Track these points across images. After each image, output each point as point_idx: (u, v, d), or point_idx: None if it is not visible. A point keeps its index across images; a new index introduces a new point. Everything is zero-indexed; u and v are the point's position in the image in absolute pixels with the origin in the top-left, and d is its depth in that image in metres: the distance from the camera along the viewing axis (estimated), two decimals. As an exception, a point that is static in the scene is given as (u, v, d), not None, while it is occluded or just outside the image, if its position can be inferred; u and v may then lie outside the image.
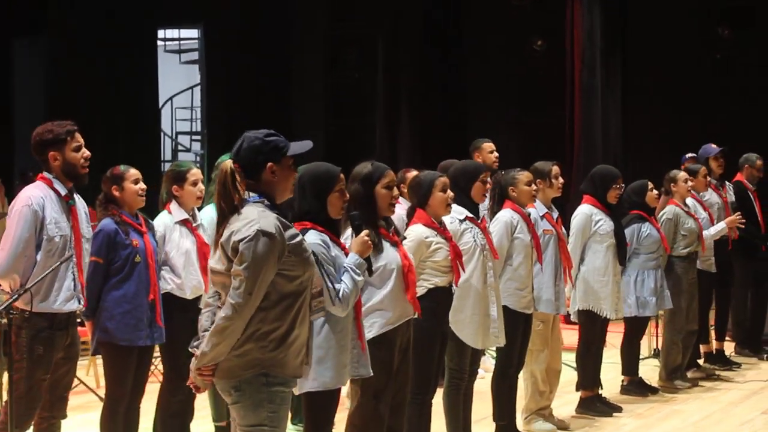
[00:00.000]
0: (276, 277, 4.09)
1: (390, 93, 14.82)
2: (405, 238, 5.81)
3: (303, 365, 4.27)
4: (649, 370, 9.01)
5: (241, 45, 15.31)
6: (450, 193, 6.02)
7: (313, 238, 4.85)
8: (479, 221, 6.41)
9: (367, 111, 14.86)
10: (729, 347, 10.15)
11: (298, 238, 4.18)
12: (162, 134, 16.90)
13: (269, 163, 4.18)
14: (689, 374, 9.05)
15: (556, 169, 7.41)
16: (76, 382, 7.64)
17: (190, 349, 4.27)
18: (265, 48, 15.25)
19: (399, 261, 5.41)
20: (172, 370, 6.30)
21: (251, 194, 4.18)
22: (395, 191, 5.48)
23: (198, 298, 6.29)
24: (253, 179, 4.20)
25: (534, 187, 6.99)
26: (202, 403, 6.90)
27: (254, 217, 4.07)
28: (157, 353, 6.59)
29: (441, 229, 6.02)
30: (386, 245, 5.38)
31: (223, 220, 4.18)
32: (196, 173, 6.40)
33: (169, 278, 6.23)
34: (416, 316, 5.52)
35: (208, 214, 6.57)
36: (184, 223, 6.35)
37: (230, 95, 15.44)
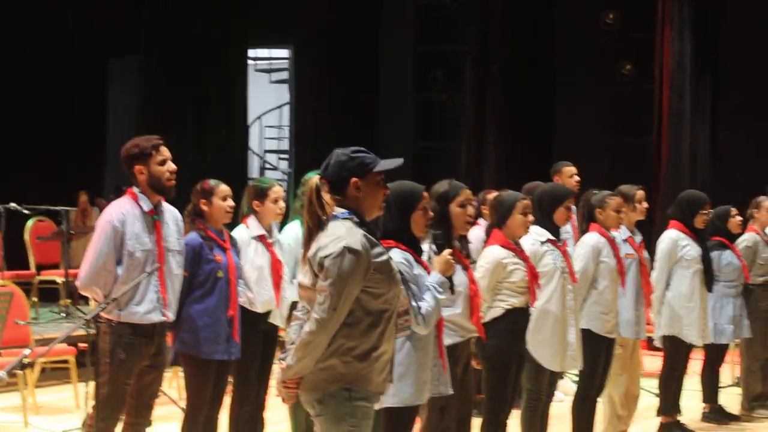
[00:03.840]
0: (361, 293, 4.13)
1: (477, 115, 14.83)
2: (475, 261, 5.85)
3: (386, 382, 4.30)
4: (731, 399, 8.90)
5: (330, 65, 15.45)
6: (530, 217, 6.04)
7: (397, 256, 4.89)
8: (560, 244, 6.42)
9: (455, 132, 14.89)
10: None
11: (385, 256, 4.21)
12: (250, 152, 17.12)
13: (354, 179, 4.21)
14: (772, 404, 8.93)
15: (640, 193, 7.39)
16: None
17: (277, 362, 4.34)
18: (353, 68, 15.38)
19: (467, 284, 5.46)
20: (240, 381, 6.43)
21: (341, 210, 4.22)
22: (470, 210, 5.52)
23: (268, 313, 6.42)
24: (340, 195, 4.23)
25: (622, 213, 6.97)
26: (282, 416, 7.00)
27: (341, 234, 4.12)
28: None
29: (518, 249, 6.05)
30: (457, 267, 5.39)
31: (310, 236, 4.24)
32: (277, 191, 6.50)
33: (241, 291, 6.31)
34: (478, 335, 5.56)
35: (292, 231, 6.68)
36: (260, 238, 6.47)
37: (318, 115, 15.58)
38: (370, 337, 4.17)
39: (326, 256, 4.09)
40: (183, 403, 6.38)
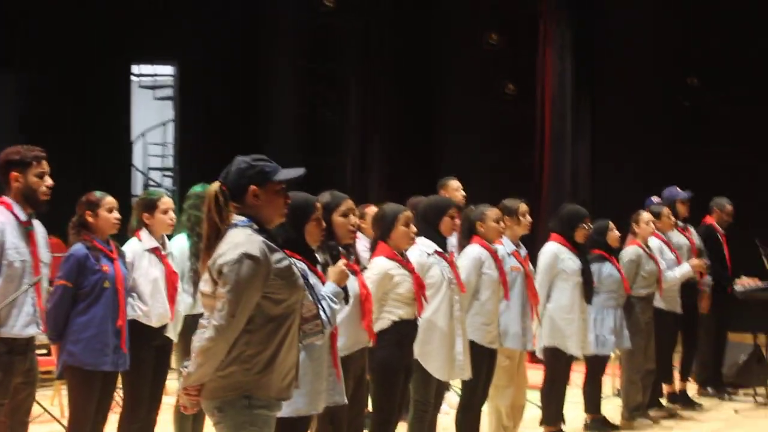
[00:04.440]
0: (262, 300, 4.13)
1: (361, 133, 14.94)
2: (365, 267, 5.90)
3: (291, 388, 4.29)
4: (612, 409, 9.08)
5: (214, 82, 15.38)
6: (413, 228, 6.10)
7: (291, 267, 4.93)
8: (447, 255, 6.50)
9: (340, 149, 14.98)
10: (692, 388, 10.28)
11: (286, 263, 4.20)
12: (133, 169, 16.92)
13: (252, 186, 4.21)
14: (651, 413, 9.13)
15: (524, 206, 7.51)
16: (40, 410, 7.67)
17: (180, 369, 4.30)
18: (238, 85, 15.35)
19: (357, 289, 5.48)
20: (132, 397, 6.33)
21: (240, 218, 4.21)
22: (353, 219, 5.56)
23: (163, 328, 6.36)
24: (239, 202, 4.23)
25: (502, 224, 7.08)
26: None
27: (240, 241, 4.11)
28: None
29: (404, 261, 6.10)
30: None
31: (210, 243, 4.23)
32: (167, 202, 6.44)
33: (135, 305, 6.25)
34: (371, 344, 5.59)
35: (178, 244, 6.65)
36: (153, 251, 6.39)
37: (203, 132, 15.48)
38: (271, 344, 4.16)
39: (225, 263, 4.09)
40: (66, 421, 6.26)
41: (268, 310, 4.16)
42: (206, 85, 15.50)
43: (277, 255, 4.18)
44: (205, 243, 4.24)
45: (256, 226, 4.20)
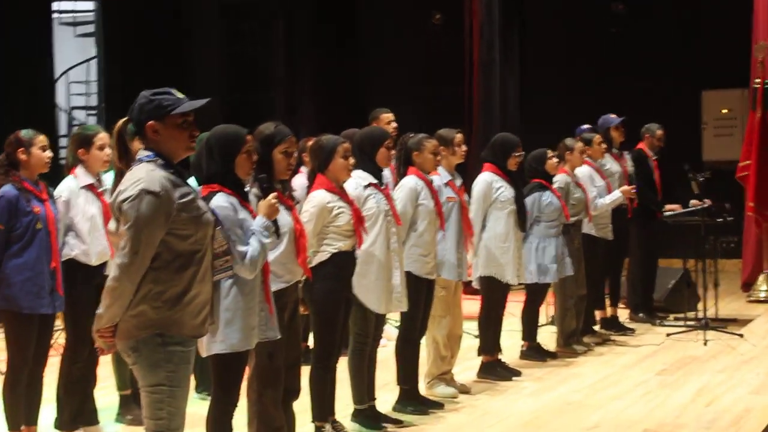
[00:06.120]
0: (167, 236, 4.05)
1: (289, 66, 14.80)
2: (299, 202, 5.85)
3: (205, 325, 4.23)
4: (547, 337, 9.18)
5: (137, 18, 15.09)
6: (351, 160, 6.06)
7: (221, 200, 4.87)
8: (383, 187, 6.47)
9: (267, 84, 14.84)
10: (624, 313, 10.44)
11: (190, 197, 4.12)
12: (57, 108, 16.61)
13: (150, 122, 4.12)
14: (585, 339, 9.25)
15: (459, 136, 7.49)
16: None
17: (97, 313, 4.24)
18: (161, 21, 15.08)
19: (291, 224, 5.43)
20: (73, 336, 6.23)
21: (145, 153, 4.13)
22: (293, 158, 5.49)
23: (103, 265, 6.25)
24: (142, 138, 4.16)
25: (438, 155, 7.06)
26: (108, 372, 6.87)
27: (141, 176, 4.03)
28: (58, 324, 6.53)
29: (342, 193, 6.06)
30: (281, 209, 5.35)
31: (118, 180, 4.16)
32: (103, 137, 6.26)
33: (74, 244, 6.14)
34: (305, 278, 5.56)
35: (108, 181, 6.53)
36: (89, 188, 6.26)
37: (127, 69, 15.21)
38: (180, 280, 4.10)
39: (124, 200, 4.01)
40: (3, 365, 6.16)
41: (175, 246, 4.08)
42: (128, 22, 15.21)
43: (182, 189, 4.10)
44: (115, 180, 4.17)
45: (161, 161, 4.12)
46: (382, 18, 15.50)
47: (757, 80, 12.09)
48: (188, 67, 15.39)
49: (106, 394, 6.98)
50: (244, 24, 15.10)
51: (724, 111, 14.96)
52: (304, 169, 7.43)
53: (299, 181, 6.71)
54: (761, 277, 12.16)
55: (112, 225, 4.15)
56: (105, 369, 6.80)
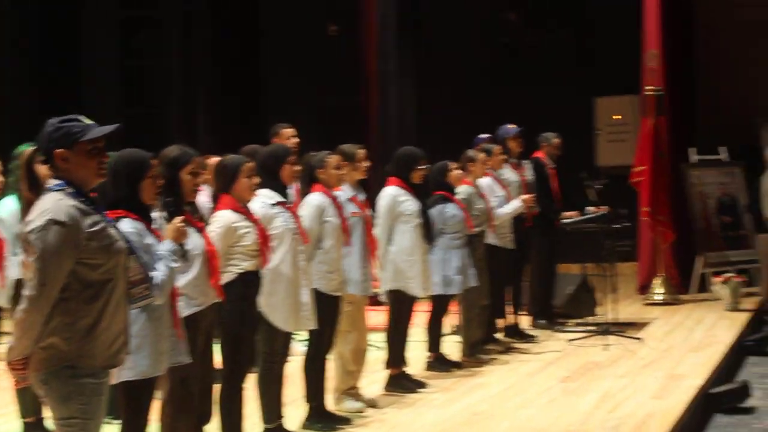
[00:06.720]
0: (76, 265, 4.00)
1: (185, 79, 14.69)
2: (208, 223, 5.82)
3: (120, 355, 4.18)
4: (451, 347, 9.24)
5: (30, 31, 14.84)
6: (255, 179, 6.04)
7: (127, 226, 4.80)
8: (289, 205, 6.46)
9: (163, 98, 14.70)
10: (525, 321, 10.56)
11: (100, 225, 4.07)
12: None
13: (59, 150, 4.07)
14: (488, 348, 9.34)
15: (362, 152, 7.52)
16: None
17: (8, 345, 4.16)
18: (54, 35, 14.85)
19: (203, 246, 5.40)
20: None
21: (54, 182, 4.08)
22: (200, 178, 5.48)
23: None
24: (52, 166, 4.11)
25: (342, 170, 7.07)
26: (10, 399, 6.74)
27: (47, 207, 3.98)
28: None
29: (248, 213, 6.04)
30: (190, 231, 5.35)
31: (27, 211, 4.10)
32: None
33: None
34: (220, 300, 5.54)
35: (7, 206, 6.39)
36: None
37: (19, 85, 14.95)
38: (91, 311, 4.05)
39: (31, 231, 3.96)
40: None
41: (85, 276, 4.03)
42: (20, 35, 14.94)
43: (92, 218, 4.05)
44: (22, 210, 4.11)
45: (70, 189, 4.06)
46: (281, 30, 15.47)
47: (649, 87, 12.37)
48: (81, 82, 15.16)
49: (7, 420, 6.83)
50: (139, 36, 14.94)
51: (616, 117, 15.26)
52: (204, 188, 7.36)
53: (201, 200, 6.65)
54: (656, 280, 12.44)
55: (24, 255, 4.07)
56: (6, 395, 6.67)
